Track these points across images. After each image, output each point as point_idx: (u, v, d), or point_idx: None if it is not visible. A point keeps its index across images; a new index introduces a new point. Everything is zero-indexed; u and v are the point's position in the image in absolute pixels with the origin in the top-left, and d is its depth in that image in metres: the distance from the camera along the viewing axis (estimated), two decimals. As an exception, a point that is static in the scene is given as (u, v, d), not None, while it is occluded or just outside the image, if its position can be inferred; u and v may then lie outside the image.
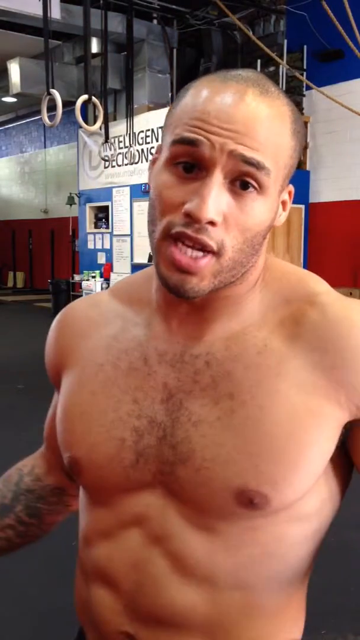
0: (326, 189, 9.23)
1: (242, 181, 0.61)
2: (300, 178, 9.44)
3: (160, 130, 9.00)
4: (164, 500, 0.67)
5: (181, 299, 0.65)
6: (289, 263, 0.76)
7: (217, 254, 0.61)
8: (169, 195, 0.62)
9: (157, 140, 9.07)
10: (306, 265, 9.69)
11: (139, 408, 0.69)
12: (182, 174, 0.62)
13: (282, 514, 0.66)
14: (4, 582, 2.37)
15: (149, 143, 9.24)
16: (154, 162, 0.68)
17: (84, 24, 5.69)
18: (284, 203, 0.69)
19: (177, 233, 0.61)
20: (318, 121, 9.24)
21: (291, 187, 0.70)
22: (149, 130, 9.15)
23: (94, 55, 8.46)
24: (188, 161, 0.61)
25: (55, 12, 7.29)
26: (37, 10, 5.85)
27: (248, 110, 0.60)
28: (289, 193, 0.70)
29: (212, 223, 0.60)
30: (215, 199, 0.59)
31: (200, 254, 0.61)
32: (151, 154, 9.20)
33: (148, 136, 9.17)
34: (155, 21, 9.62)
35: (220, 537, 0.65)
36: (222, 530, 0.65)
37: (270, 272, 0.72)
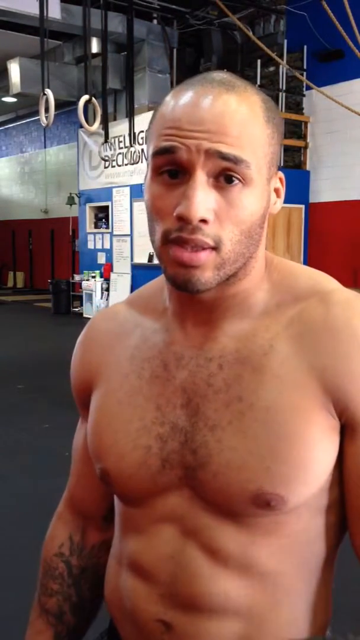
0: (326, 189, 9.23)
1: (226, 175, 0.63)
2: (300, 178, 9.43)
3: (160, 130, 9.00)
4: (191, 500, 0.70)
5: (193, 298, 0.68)
6: (296, 263, 0.77)
7: (216, 248, 0.63)
8: (160, 204, 0.65)
9: (157, 140, 9.07)
10: (306, 265, 9.67)
11: (161, 415, 0.71)
12: (168, 180, 0.64)
13: (303, 508, 0.68)
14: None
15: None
16: (145, 178, 0.71)
17: (83, 24, 5.70)
18: (276, 190, 0.70)
19: (174, 238, 0.63)
20: (318, 121, 9.24)
21: (281, 174, 0.71)
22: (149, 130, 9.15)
23: (94, 55, 8.46)
24: (171, 168, 0.63)
25: (55, 12, 7.29)
26: (37, 10, 5.85)
27: (216, 108, 0.62)
28: (280, 180, 0.71)
29: (203, 221, 0.62)
30: (202, 197, 0.61)
31: (200, 249, 0.63)
32: (151, 154, 9.21)
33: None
34: (155, 21, 9.61)
35: (248, 530, 0.68)
36: (249, 524, 0.68)
37: (278, 272, 0.73)
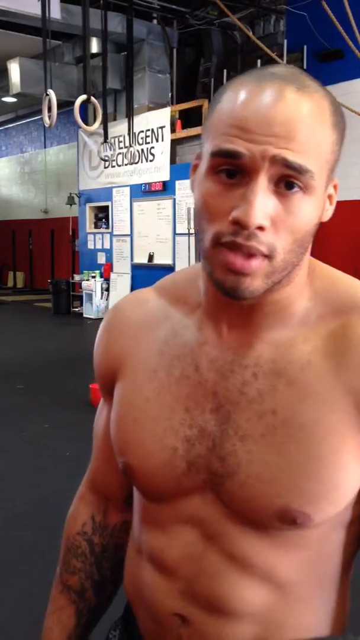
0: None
1: (287, 182, 0.60)
2: (300, 178, 9.43)
3: (160, 130, 9.00)
4: (214, 505, 0.69)
5: (234, 301, 0.65)
6: (335, 269, 0.75)
7: (269, 256, 0.61)
8: (214, 203, 0.62)
9: (157, 140, 9.08)
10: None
11: (190, 417, 0.70)
12: (225, 180, 0.61)
13: (326, 524, 0.68)
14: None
15: (148, 143, 9.24)
16: (194, 168, 0.68)
17: (82, 24, 5.70)
18: (330, 197, 0.68)
19: (227, 242, 0.61)
20: (318, 121, 9.24)
21: (336, 181, 0.68)
22: (149, 130, 9.15)
23: (94, 55, 8.47)
24: (230, 168, 0.61)
25: (55, 12, 7.29)
26: (37, 10, 5.85)
27: (286, 110, 0.59)
28: (334, 187, 0.68)
29: (260, 228, 0.60)
30: (262, 203, 0.59)
31: (253, 256, 0.61)
32: (152, 154, 9.21)
33: (148, 136, 9.17)
34: (155, 21, 9.61)
35: (270, 541, 0.68)
36: (271, 535, 0.68)
37: (320, 280, 0.71)
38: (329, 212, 0.68)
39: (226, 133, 0.60)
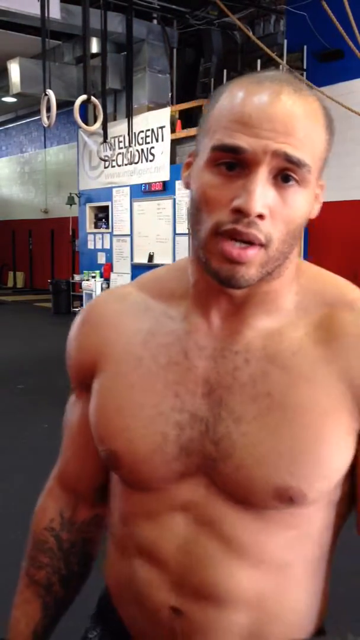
0: (326, 189, 9.18)
1: (285, 175, 0.64)
2: (300, 178, 9.43)
3: (160, 130, 8.99)
4: (207, 488, 0.71)
5: (225, 290, 0.69)
6: (318, 267, 0.79)
7: (265, 245, 0.64)
8: (214, 194, 0.64)
9: (157, 140, 9.07)
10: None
11: (180, 402, 0.71)
12: (226, 172, 0.64)
13: (317, 502, 0.71)
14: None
15: (148, 143, 9.24)
16: (187, 166, 0.71)
17: (82, 24, 5.69)
18: (316, 195, 0.71)
19: (228, 230, 0.64)
20: (318, 121, 9.24)
21: (323, 182, 0.72)
22: (148, 130, 9.15)
23: (94, 55, 8.46)
24: (231, 161, 0.64)
25: (55, 12, 7.29)
26: (37, 10, 5.85)
27: (286, 108, 0.63)
28: (321, 187, 0.72)
29: (260, 216, 0.63)
30: (262, 193, 0.62)
31: (249, 245, 0.64)
32: (151, 154, 9.20)
33: (148, 136, 9.17)
34: (155, 21, 9.61)
35: (263, 521, 0.70)
36: (265, 515, 0.70)
37: (306, 276, 0.75)
38: (316, 210, 0.72)
39: (228, 128, 0.63)
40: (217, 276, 0.66)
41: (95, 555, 0.93)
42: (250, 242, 0.64)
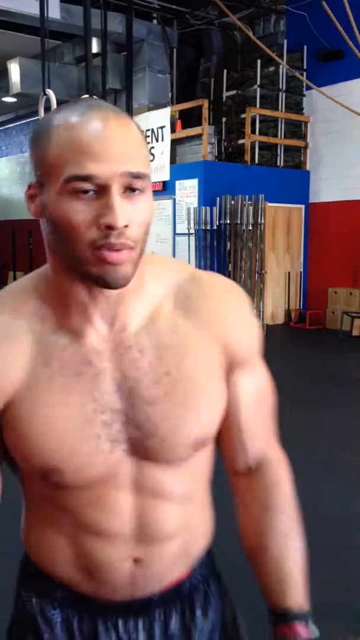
0: (326, 189, 9.23)
1: (131, 187, 0.75)
2: (300, 178, 9.43)
3: (160, 130, 9.00)
4: (138, 464, 0.84)
5: (101, 293, 0.79)
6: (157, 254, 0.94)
7: (133, 248, 0.76)
8: (81, 218, 0.73)
9: (156, 140, 9.08)
10: (306, 265, 9.69)
11: (100, 405, 0.81)
12: (83, 197, 0.73)
13: (210, 444, 0.90)
14: None
15: (148, 143, 9.24)
16: (32, 197, 0.79)
17: (84, 24, 5.69)
18: None
19: (103, 244, 0.74)
20: (318, 121, 9.24)
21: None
22: (149, 130, 9.15)
23: (94, 55, 8.46)
24: (87, 189, 0.73)
25: (55, 12, 7.30)
26: (37, 10, 5.84)
27: (118, 132, 0.74)
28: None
29: (125, 226, 0.74)
30: (121, 208, 0.73)
31: (122, 249, 0.75)
32: (152, 154, 9.20)
33: (148, 136, 9.17)
34: (155, 21, 9.62)
35: (181, 471, 0.86)
36: (182, 467, 0.86)
37: (149, 263, 0.84)
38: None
39: (74, 160, 0.73)
40: (102, 280, 0.76)
41: None
42: (121, 249, 0.75)
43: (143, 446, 0.82)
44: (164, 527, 0.87)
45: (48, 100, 5.50)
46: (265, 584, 0.89)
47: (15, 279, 12.57)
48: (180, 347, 0.83)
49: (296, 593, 0.86)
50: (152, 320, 0.83)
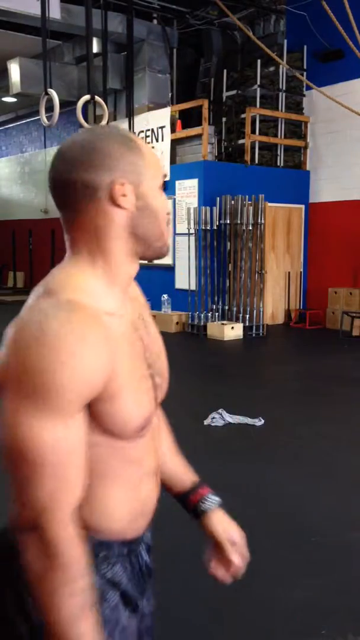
0: (326, 189, 9.23)
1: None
2: (300, 178, 9.43)
3: (160, 130, 9.00)
4: (156, 406, 1.03)
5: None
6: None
7: None
8: (165, 205, 0.99)
9: (156, 140, 9.08)
10: (306, 265, 9.69)
11: (147, 363, 1.01)
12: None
13: None
14: None
15: (149, 143, 9.23)
16: (124, 194, 0.93)
17: (85, 24, 5.68)
18: None
19: (167, 224, 0.99)
20: (318, 121, 9.25)
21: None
22: (149, 130, 9.15)
23: (94, 55, 8.46)
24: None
25: (55, 12, 7.30)
26: (37, 10, 5.84)
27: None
28: None
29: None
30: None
31: None
32: (151, 154, 9.20)
33: (148, 136, 9.17)
34: (155, 21, 9.62)
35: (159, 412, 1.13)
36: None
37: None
38: None
39: (158, 167, 0.98)
40: (166, 250, 1.01)
41: None
42: None
43: (161, 391, 1.05)
44: (160, 460, 1.09)
45: (49, 100, 5.51)
46: (174, 481, 1.17)
47: (15, 279, 12.44)
48: (150, 317, 1.09)
49: (192, 471, 1.19)
50: (133, 297, 1.04)
